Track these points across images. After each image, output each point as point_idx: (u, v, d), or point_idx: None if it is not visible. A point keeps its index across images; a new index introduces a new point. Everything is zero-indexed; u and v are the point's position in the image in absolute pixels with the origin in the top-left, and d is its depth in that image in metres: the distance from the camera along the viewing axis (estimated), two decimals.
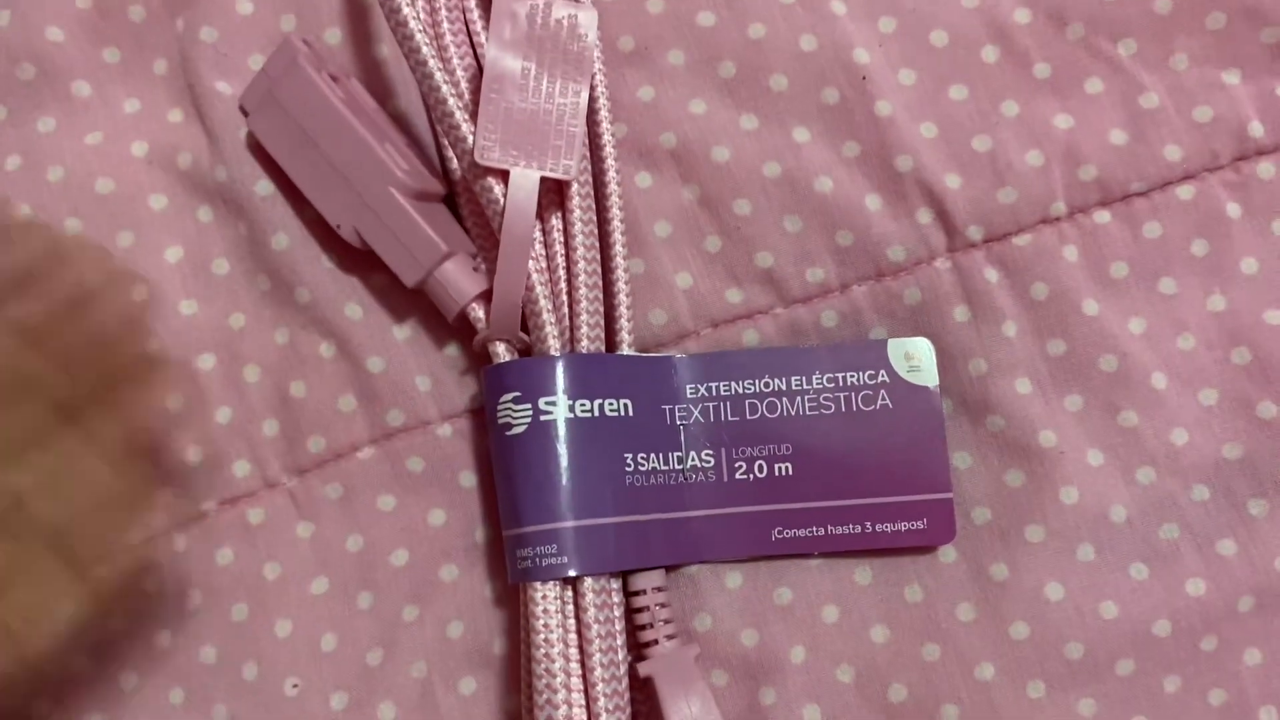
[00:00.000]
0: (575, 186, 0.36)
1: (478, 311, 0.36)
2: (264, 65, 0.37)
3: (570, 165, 0.35)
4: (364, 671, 0.37)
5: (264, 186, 0.38)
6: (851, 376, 0.37)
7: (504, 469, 0.35)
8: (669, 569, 0.37)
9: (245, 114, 0.37)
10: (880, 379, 0.37)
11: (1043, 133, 0.37)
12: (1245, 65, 0.37)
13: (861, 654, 0.37)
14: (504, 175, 0.35)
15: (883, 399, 0.37)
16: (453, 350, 0.38)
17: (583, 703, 0.34)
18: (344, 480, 0.38)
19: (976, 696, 0.36)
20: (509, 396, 0.35)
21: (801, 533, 0.37)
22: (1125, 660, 0.36)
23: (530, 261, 0.35)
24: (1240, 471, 0.36)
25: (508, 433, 0.35)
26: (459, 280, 0.36)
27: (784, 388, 0.37)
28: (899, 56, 0.37)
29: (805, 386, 0.37)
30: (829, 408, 0.37)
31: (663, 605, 0.36)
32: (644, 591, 0.36)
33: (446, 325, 0.38)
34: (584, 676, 0.34)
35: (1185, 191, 0.37)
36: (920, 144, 0.37)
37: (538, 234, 0.36)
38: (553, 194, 0.36)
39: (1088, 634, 0.36)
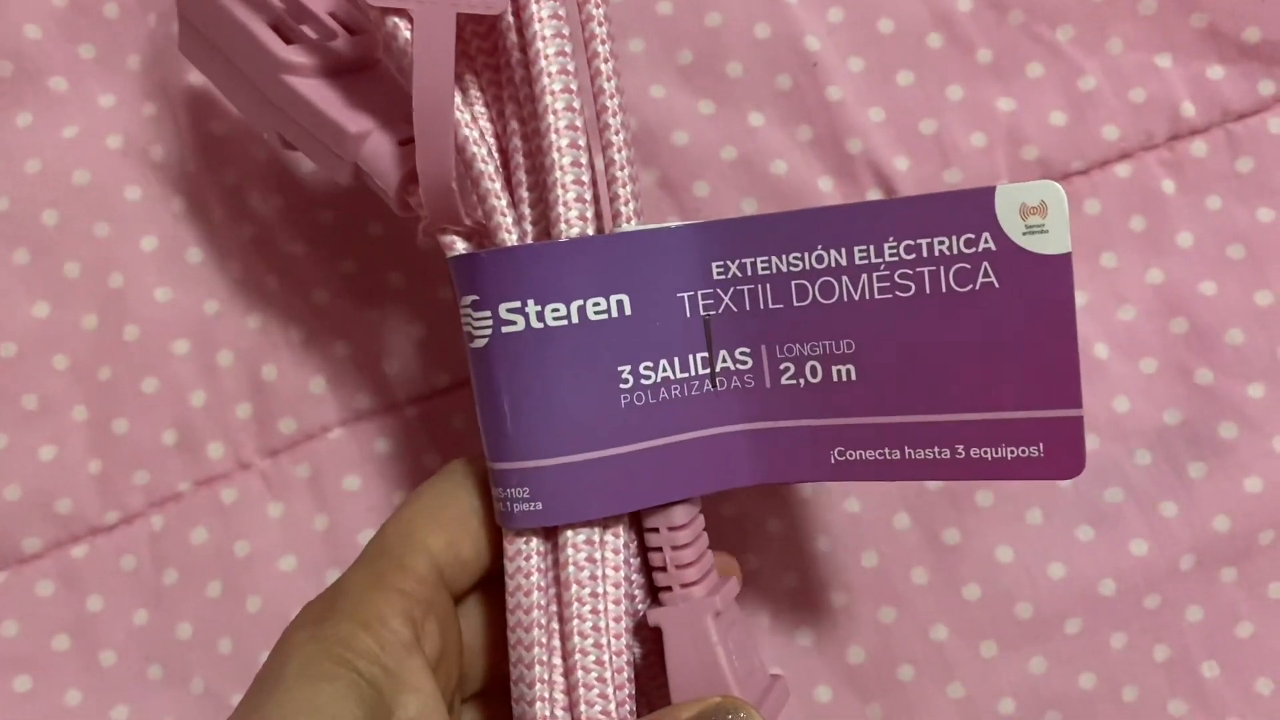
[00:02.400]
0: (539, 11, 0.28)
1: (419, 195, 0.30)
2: None
3: None
4: None
5: (231, 176, 0.39)
6: (941, 244, 0.27)
7: (474, 386, 0.30)
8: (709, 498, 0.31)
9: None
10: (983, 245, 0.27)
11: (986, 115, 0.39)
12: (1176, 49, 0.38)
13: (821, 618, 0.38)
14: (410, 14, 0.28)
15: (985, 275, 0.27)
16: (419, 331, 0.39)
17: (563, 684, 0.29)
18: (313, 461, 0.39)
19: (931, 657, 0.37)
20: (467, 300, 0.29)
21: (870, 455, 0.29)
22: (1073, 619, 0.37)
23: (466, 125, 0.29)
24: (1180, 436, 0.38)
25: (471, 344, 0.29)
26: (382, 161, 0.30)
27: (843, 262, 0.28)
28: (848, 44, 0.39)
29: (874, 259, 0.28)
30: (906, 288, 0.27)
31: (682, 546, 0.30)
32: (656, 530, 0.30)
33: (416, 306, 0.39)
34: (564, 647, 0.29)
35: (1123, 170, 0.39)
36: (870, 127, 0.39)
37: (475, 90, 0.30)
38: (491, 34, 0.30)
39: (1037, 594, 0.37)
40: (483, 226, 0.30)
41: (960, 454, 0.28)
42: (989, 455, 0.27)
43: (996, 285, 0.27)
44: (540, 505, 0.29)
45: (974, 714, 0.37)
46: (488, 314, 0.28)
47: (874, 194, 0.38)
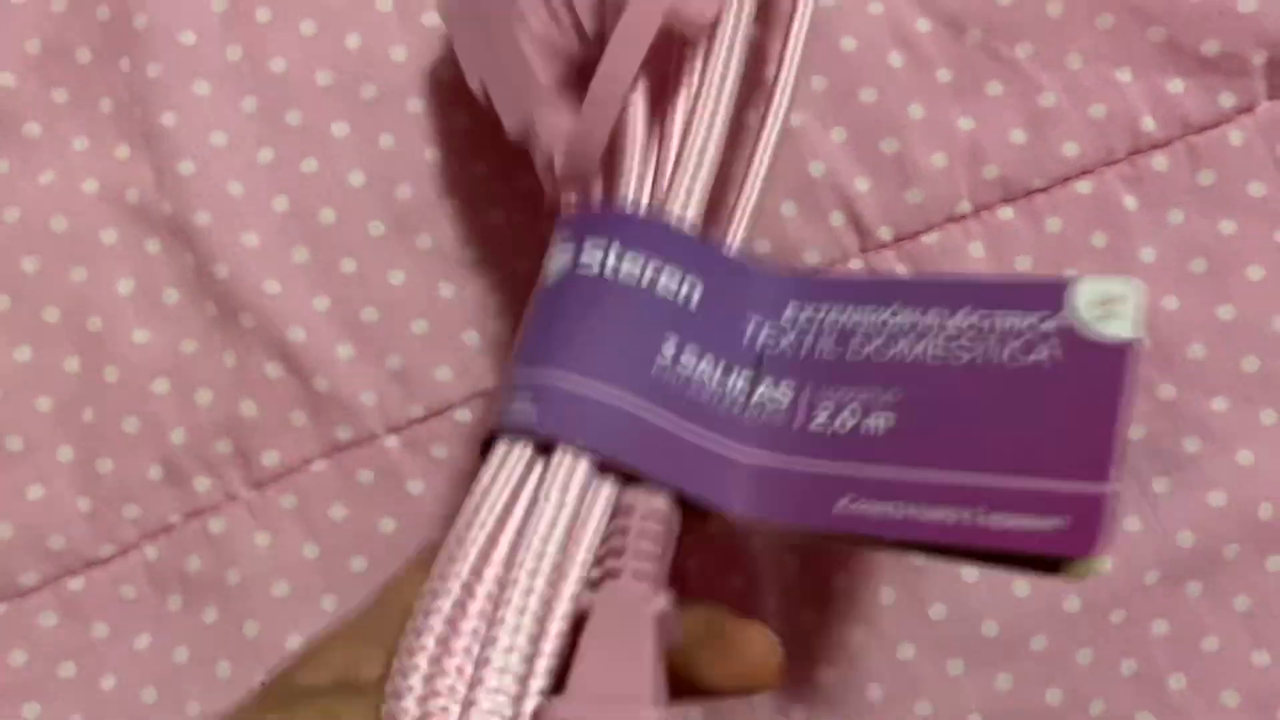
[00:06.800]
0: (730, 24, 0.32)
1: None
2: None
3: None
4: None
5: (203, 217, 0.39)
6: (1011, 319, 0.28)
7: (528, 321, 0.31)
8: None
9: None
10: (1052, 325, 0.27)
11: (947, 134, 0.38)
12: (1135, 63, 0.38)
13: (792, 638, 0.38)
14: None
15: (1047, 352, 0.27)
16: (395, 363, 0.39)
17: (493, 595, 0.27)
18: (298, 492, 0.40)
19: (899, 675, 0.38)
20: (561, 239, 0.30)
21: (878, 508, 0.27)
22: (1039, 636, 0.38)
23: (640, 97, 0.31)
24: (1144, 451, 0.38)
25: (538, 290, 0.31)
26: (554, 121, 0.32)
27: (913, 323, 0.29)
28: (810, 63, 0.39)
29: (942, 323, 0.28)
30: (965, 354, 0.28)
31: (648, 538, 0.27)
32: (633, 509, 0.28)
33: (389, 341, 0.40)
34: (505, 573, 0.27)
35: (1084, 186, 0.38)
36: (832, 149, 0.39)
37: (646, 84, 0.32)
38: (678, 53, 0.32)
39: (1002, 612, 0.38)
40: (607, 195, 0.31)
41: (978, 518, 0.26)
42: (1007, 522, 0.26)
43: (1054, 363, 0.27)
44: (535, 412, 0.28)
45: None
46: (570, 249, 0.30)
47: (836, 217, 0.38)
